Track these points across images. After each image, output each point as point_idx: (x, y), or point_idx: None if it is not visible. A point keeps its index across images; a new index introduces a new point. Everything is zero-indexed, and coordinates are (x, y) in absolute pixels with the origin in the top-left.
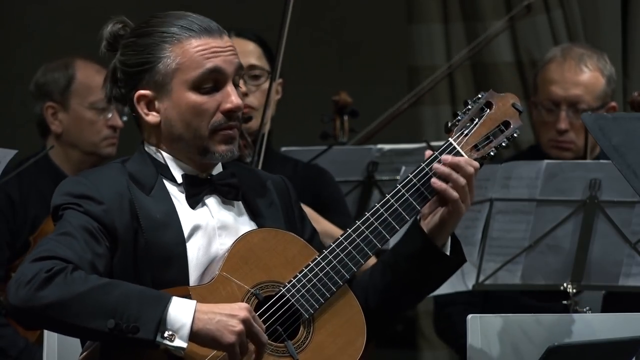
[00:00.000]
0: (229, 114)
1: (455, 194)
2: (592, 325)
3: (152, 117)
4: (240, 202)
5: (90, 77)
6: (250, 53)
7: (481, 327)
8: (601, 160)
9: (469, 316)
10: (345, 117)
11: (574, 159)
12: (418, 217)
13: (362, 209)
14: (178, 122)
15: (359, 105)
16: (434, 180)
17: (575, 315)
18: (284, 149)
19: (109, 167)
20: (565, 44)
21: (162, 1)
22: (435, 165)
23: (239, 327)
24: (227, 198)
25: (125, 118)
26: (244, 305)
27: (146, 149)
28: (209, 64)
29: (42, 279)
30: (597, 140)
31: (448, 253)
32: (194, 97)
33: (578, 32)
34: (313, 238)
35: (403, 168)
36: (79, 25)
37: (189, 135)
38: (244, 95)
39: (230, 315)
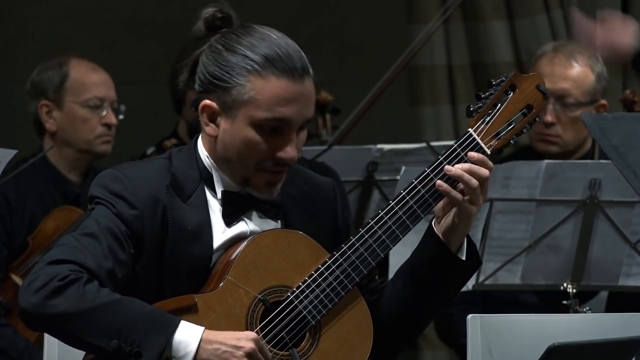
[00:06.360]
0: (280, 161)
1: (458, 196)
2: (592, 325)
3: (211, 130)
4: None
5: (84, 75)
6: None
7: (481, 327)
8: (601, 160)
9: (469, 316)
10: (327, 116)
11: (561, 153)
12: (433, 221)
13: (362, 209)
14: (230, 148)
15: (358, 105)
16: (438, 182)
17: (575, 315)
18: None
19: (153, 164)
20: (559, 41)
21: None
22: (447, 167)
23: None
24: (267, 216)
25: (121, 117)
26: (252, 335)
27: (199, 149)
28: (278, 114)
29: (55, 287)
30: (597, 140)
31: (464, 257)
32: (252, 134)
33: None
34: None
35: (403, 168)
36: (79, 25)
37: (236, 164)
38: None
39: (235, 347)
